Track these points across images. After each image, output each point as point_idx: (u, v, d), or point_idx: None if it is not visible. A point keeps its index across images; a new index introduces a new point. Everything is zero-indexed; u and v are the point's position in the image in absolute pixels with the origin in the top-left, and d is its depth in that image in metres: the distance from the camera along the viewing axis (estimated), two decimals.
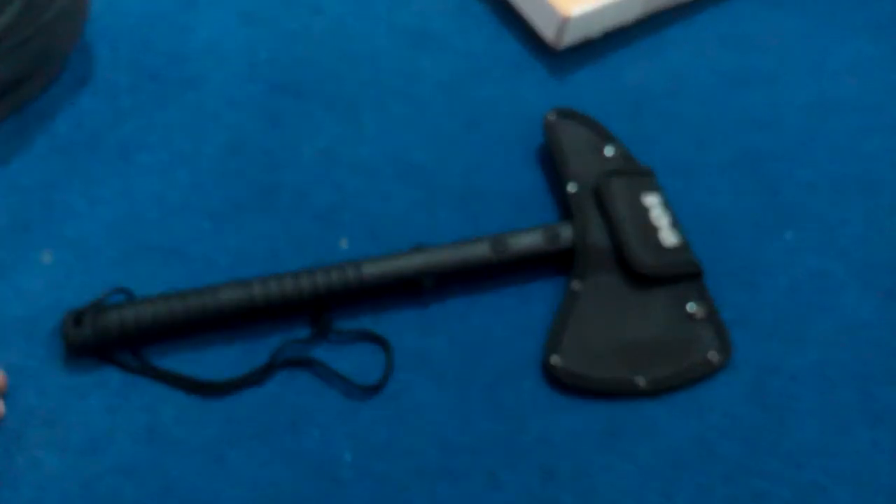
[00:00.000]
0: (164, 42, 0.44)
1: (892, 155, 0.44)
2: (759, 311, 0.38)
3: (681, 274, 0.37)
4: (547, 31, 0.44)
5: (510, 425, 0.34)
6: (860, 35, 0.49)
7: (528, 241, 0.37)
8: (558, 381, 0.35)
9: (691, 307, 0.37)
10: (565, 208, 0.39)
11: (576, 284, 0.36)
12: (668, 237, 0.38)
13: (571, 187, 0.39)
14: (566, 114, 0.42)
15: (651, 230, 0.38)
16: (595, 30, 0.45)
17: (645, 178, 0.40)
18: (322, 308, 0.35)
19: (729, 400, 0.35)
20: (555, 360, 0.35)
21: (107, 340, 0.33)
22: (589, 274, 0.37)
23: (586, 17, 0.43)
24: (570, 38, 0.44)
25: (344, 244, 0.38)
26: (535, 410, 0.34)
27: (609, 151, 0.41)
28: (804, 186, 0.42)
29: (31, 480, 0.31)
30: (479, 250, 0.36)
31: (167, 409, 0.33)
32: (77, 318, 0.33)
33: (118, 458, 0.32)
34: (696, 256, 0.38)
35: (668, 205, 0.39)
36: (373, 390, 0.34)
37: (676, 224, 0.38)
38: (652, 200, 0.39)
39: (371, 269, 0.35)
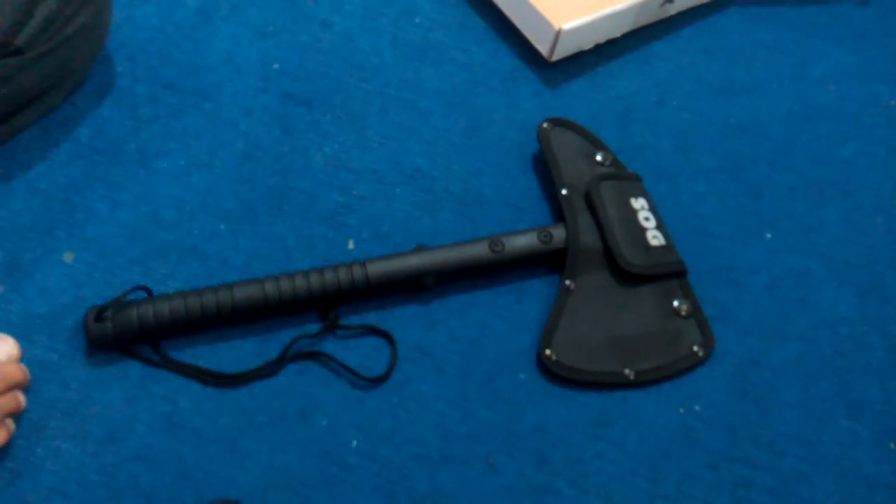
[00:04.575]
0: (181, 54, 0.46)
1: (869, 160, 0.46)
2: (740, 308, 0.40)
3: (666, 272, 0.39)
4: (541, 44, 0.46)
5: (507, 414, 0.35)
6: (839, 46, 0.51)
7: (523, 241, 0.38)
8: (552, 373, 0.36)
9: (676, 304, 0.38)
10: (558, 211, 0.40)
11: (568, 282, 0.38)
12: (655, 238, 0.39)
13: (564, 191, 0.40)
14: (559, 122, 0.43)
15: (639, 231, 0.39)
16: (586, 43, 0.47)
17: (633, 183, 0.42)
18: (330, 304, 0.37)
19: (713, 391, 0.37)
20: (548, 353, 0.36)
21: (127, 335, 0.34)
22: (580, 272, 0.38)
23: (578, 31, 0.45)
24: (562, 50, 0.46)
25: (350, 244, 0.40)
26: (529, 401, 0.36)
27: (599, 157, 0.42)
28: (784, 190, 0.44)
29: (52, 469, 0.32)
30: (478, 250, 0.38)
31: (184, 399, 0.35)
32: (99, 313, 0.34)
33: (137, 446, 0.33)
34: (680, 256, 0.40)
35: (654, 207, 0.41)
36: (378, 381, 0.36)
37: (662, 226, 0.40)
38: (639, 203, 0.40)
39: (376, 268, 0.36)
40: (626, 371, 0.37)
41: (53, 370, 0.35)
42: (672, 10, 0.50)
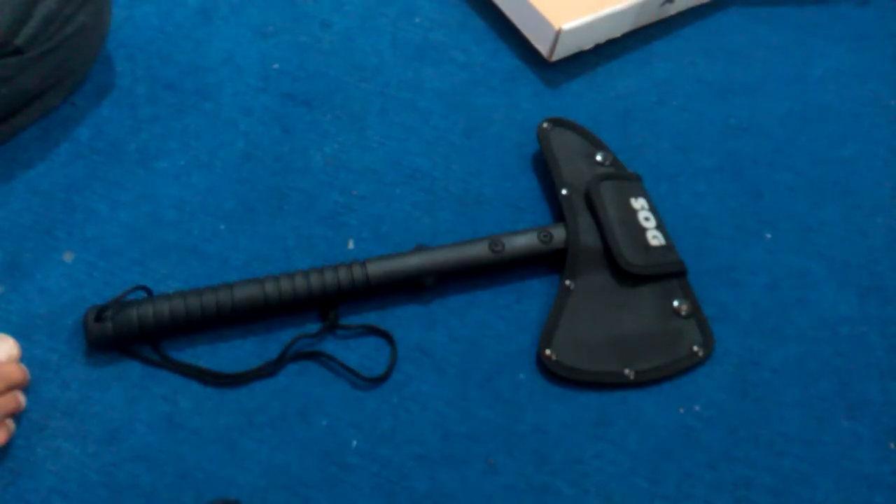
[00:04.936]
0: (181, 54, 0.46)
1: (869, 160, 0.46)
2: (740, 308, 0.40)
3: (666, 272, 0.39)
4: (541, 44, 0.46)
5: (507, 415, 0.35)
6: (839, 46, 0.51)
7: (523, 241, 0.38)
8: (552, 373, 0.36)
9: (676, 304, 0.38)
10: (558, 211, 0.41)
11: (568, 282, 0.38)
12: (655, 238, 0.39)
13: (564, 191, 0.40)
14: (559, 122, 0.44)
15: (639, 231, 0.39)
16: (586, 43, 0.47)
17: (633, 183, 0.42)
18: (330, 304, 0.37)
19: (713, 391, 0.37)
20: (548, 353, 0.36)
21: (127, 335, 0.34)
22: (580, 272, 0.38)
23: (578, 31, 0.45)
24: (562, 50, 0.46)
25: (350, 244, 0.40)
26: (529, 401, 0.36)
27: (599, 157, 0.42)
28: (784, 190, 0.44)
29: (52, 469, 0.32)
30: (478, 250, 0.38)
31: (184, 399, 0.35)
32: (99, 313, 0.34)
33: (137, 446, 0.33)
34: (680, 256, 0.40)
35: (654, 207, 0.41)
36: (378, 381, 0.36)
37: (662, 226, 0.40)
38: (639, 203, 0.40)
39: (376, 268, 0.36)
40: (626, 371, 0.37)
41: (53, 370, 0.35)
42: (672, 10, 0.50)
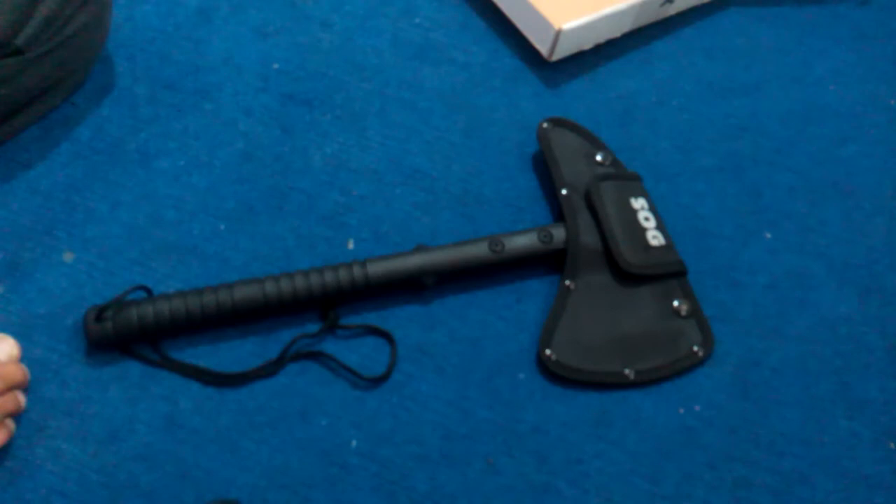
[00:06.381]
0: (181, 54, 0.46)
1: (869, 160, 0.46)
2: (740, 308, 0.40)
3: (666, 272, 0.39)
4: (541, 44, 0.46)
5: (506, 414, 0.35)
6: (840, 46, 0.51)
7: (523, 241, 0.38)
8: (552, 373, 0.36)
9: (676, 304, 0.38)
10: (558, 211, 0.41)
11: (568, 282, 0.38)
12: (655, 238, 0.39)
13: (564, 191, 0.40)
14: (559, 122, 0.44)
15: (639, 231, 0.39)
16: (587, 43, 0.48)
17: (633, 183, 0.42)
18: (330, 304, 0.37)
19: (713, 391, 0.37)
20: (548, 353, 0.36)
21: (127, 335, 0.34)
22: (580, 272, 0.38)
23: (578, 31, 0.45)
24: (562, 50, 0.46)
25: (350, 245, 0.40)
26: (529, 400, 0.36)
27: (599, 157, 0.42)
28: (784, 190, 0.44)
29: (52, 469, 0.32)
30: (478, 250, 0.38)
31: (184, 399, 0.35)
32: (99, 313, 0.34)
33: (136, 446, 0.33)
34: (680, 256, 0.40)
35: (654, 207, 0.41)
36: (378, 381, 0.36)
37: (662, 225, 0.40)
38: (639, 203, 0.40)
39: (376, 268, 0.36)
40: (626, 371, 0.37)
41: (53, 370, 0.35)
42: (672, 10, 0.50)
